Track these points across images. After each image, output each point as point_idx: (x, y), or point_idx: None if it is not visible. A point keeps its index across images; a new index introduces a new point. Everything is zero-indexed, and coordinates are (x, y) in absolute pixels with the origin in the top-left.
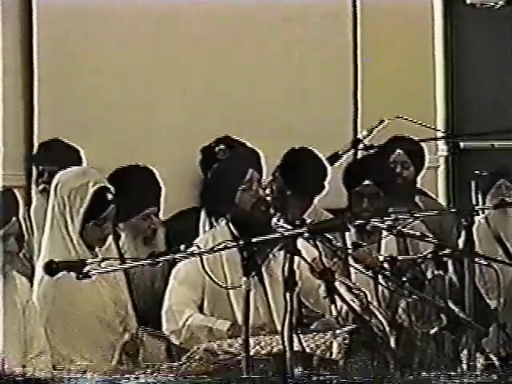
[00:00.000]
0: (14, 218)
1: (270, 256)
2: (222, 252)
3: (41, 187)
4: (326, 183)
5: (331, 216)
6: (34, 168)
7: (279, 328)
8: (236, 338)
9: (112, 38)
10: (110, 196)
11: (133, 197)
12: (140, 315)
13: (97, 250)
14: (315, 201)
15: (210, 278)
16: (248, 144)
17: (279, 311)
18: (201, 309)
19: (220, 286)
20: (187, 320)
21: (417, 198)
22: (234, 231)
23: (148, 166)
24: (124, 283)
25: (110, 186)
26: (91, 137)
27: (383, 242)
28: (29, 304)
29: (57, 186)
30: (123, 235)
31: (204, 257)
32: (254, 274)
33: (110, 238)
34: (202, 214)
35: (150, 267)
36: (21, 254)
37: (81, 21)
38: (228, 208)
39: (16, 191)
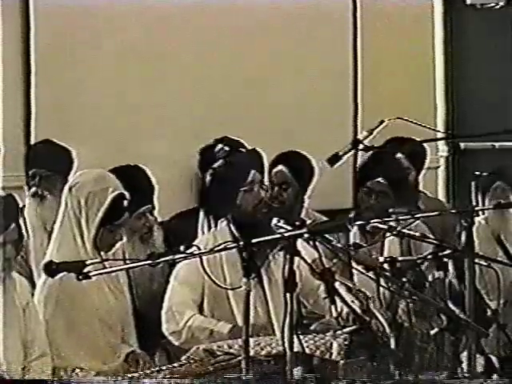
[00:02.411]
0: (12, 225)
1: (270, 257)
2: (222, 253)
3: (32, 190)
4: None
5: (321, 217)
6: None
7: (277, 329)
8: (236, 339)
9: (111, 38)
10: (125, 203)
11: None
12: (140, 318)
13: (102, 253)
14: (306, 202)
15: (210, 278)
16: (246, 144)
17: (278, 312)
18: (200, 309)
19: (220, 286)
20: (188, 321)
21: (419, 201)
22: (235, 232)
23: (138, 164)
24: (127, 287)
25: (126, 192)
26: (90, 137)
27: (386, 242)
28: (29, 305)
29: (74, 186)
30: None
31: (204, 257)
32: (254, 275)
33: (119, 244)
34: (201, 215)
35: (150, 268)
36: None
37: (79, 21)
38: (229, 209)
39: (15, 192)
